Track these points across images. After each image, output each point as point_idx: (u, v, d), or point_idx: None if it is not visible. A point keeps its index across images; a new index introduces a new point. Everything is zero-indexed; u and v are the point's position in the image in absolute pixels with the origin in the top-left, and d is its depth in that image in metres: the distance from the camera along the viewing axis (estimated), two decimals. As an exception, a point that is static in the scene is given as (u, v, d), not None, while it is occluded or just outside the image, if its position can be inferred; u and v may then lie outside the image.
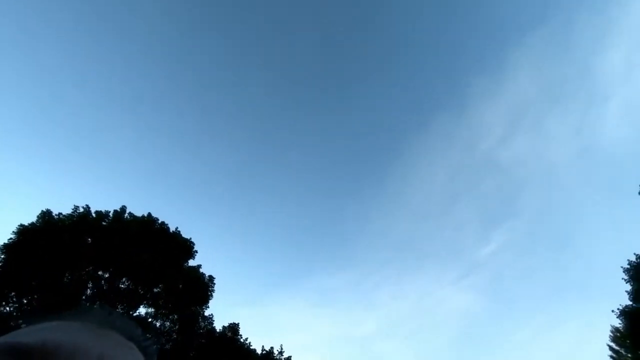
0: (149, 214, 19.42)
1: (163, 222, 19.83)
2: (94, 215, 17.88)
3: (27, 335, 0.33)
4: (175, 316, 19.73)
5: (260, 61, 58.34)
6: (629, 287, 17.94)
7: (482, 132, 52.84)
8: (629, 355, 18.91)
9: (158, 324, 19.95)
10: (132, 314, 19.38)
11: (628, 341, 18.73)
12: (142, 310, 19.31)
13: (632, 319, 16.82)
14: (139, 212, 19.57)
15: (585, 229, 47.01)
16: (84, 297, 17.27)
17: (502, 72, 53.88)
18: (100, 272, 18.34)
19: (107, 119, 49.17)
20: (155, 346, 0.46)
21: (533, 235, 48.91)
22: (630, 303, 17.85)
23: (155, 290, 19.52)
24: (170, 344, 20.08)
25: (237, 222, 53.81)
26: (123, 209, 18.53)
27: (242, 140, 56.97)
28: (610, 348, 20.06)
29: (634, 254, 17.89)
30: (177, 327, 19.90)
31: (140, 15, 49.41)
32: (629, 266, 17.91)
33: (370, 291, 49.72)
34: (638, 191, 18.17)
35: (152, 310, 19.90)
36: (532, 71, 51.24)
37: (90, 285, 18.36)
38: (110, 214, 18.21)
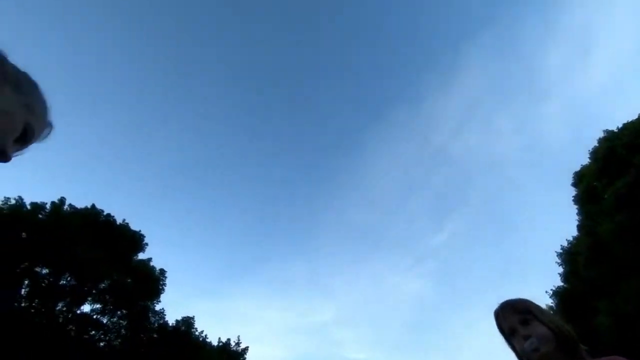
0: (93, 206, 18.30)
1: (109, 214, 18.78)
2: (28, 207, 16.52)
3: None
4: (124, 312, 18.91)
5: (223, 62, 56.31)
6: (560, 269, 19.55)
7: (436, 126, 55.12)
8: (560, 331, 20.68)
9: (105, 321, 19.05)
10: (75, 311, 18.34)
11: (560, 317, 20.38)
12: (87, 308, 18.31)
13: (562, 298, 18.34)
14: (81, 204, 18.38)
15: (525, 218, 50.88)
16: (18, 296, 16.04)
17: (455, 68, 56.16)
18: (37, 269, 17.08)
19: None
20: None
21: (479, 224, 52.24)
22: (562, 284, 19.45)
23: (101, 286, 18.55)
24: (119, 340, 19.29)
25: (193, 213, 52.21)
26: (62, 200, 17.28)
27: (201, 129, 55.00)
28: (545, 325, 21.94)
29: (566, 239, 19.49)
30: (126, 323, 19.10)
31: None
32: (561, 251, 19.50)
33: (326, 279, 50.63)
34: (571, 182, 19.76)
35: (99, 306, 18.95)
36: (482, 69, 53.77)
37: (27, 282, 17.09)
38: (48, 206, 16.90)
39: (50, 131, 0.71)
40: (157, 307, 19.25)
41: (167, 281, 19.48)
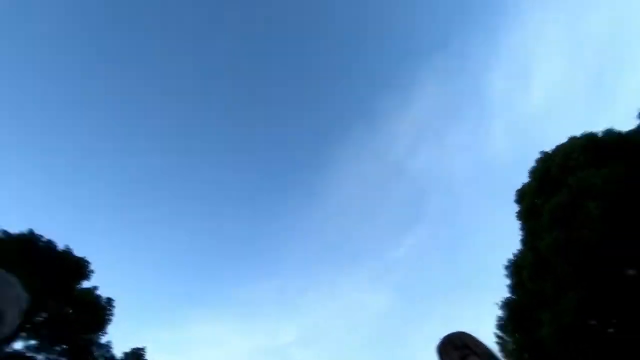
0: (31, 231, 16.72)
1: (49, 240, 17.23)
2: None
3: None
4: (64, 347, 17.18)
5: (182, 73, 54.75)
6: (508, 281, 20.77)
7: (392, 143, 57.65)
8: (509, 339, 21.75)
9: (41, 358, 17.18)
10: (6, 349, 16.39)
11: (509, 328, 21.47)
12: (19, 345, 16.43)
13: (510, 309, 19.42)
14: (17, 229, 16.73)
15: (478, 231, 54.21)
16: None
17: (410, 89, 59.55)
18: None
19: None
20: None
21: (437, 238, 54.82)
22: (510, 295, 20.63)
23: (37, 319, 16.78)
24: (58, 379, 17.44)
25: (146, 235, 49.36)
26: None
27: (154, 142, 52.68)
28: (496, 335, 22.97)
29: (512, 253, 20.82)
30: (66, 359, 17.35)
31: None
32: (508, 264, 20.77)
33: (291, 298, 49.89)
34: (514, 199, 21.30)
35: (35, 342, 17.08)
36: (435, 89, 57.29)
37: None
38: (-25, 233, 15.17)
39: (25, 301, 0.80)
40: (103, 340, 17.73)
41: (116, 310, 18.08)
